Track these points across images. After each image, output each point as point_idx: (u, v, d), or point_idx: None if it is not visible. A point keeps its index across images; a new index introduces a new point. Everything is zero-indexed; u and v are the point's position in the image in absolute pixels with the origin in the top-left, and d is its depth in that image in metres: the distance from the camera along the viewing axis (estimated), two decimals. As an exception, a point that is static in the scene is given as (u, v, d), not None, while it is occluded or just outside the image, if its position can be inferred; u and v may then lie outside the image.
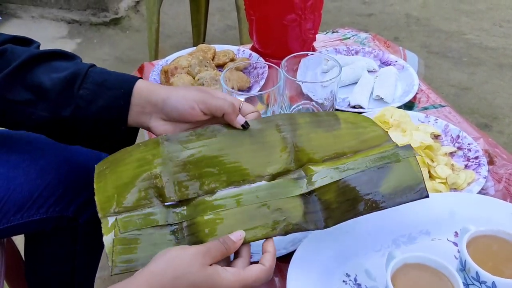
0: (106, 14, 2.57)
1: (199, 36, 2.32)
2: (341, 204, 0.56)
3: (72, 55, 0.68)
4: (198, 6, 2.18)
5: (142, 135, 0.75)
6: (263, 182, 0.58)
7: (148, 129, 0.65)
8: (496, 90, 2.01)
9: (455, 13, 2.65)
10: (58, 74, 0.63)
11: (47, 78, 0.62)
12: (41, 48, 0.70)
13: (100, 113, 0.63)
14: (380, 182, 0.57)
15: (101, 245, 0.86)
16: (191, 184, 0.58)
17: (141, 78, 0.66)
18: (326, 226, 0.56)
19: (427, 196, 0.56)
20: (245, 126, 0.60)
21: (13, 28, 2.52)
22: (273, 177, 0.59)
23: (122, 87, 0.63)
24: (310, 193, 0.57)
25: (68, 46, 2.39)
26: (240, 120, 0.60)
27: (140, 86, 0.64)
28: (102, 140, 0.66)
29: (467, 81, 2.09)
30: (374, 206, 0.56)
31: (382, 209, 0.56)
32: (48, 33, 2.47)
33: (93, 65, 0.66)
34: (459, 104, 1.93)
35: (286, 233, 0.55)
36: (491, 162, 0.77)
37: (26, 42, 0.69)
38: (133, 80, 0.64)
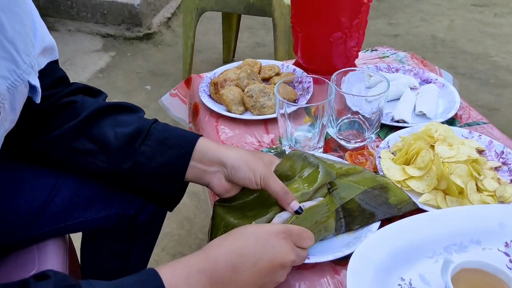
0: (140, 29, 2.65)
1: (229, 52, 2.39)
2: (362, 212, 0.70)
3: (136, 107, 0.73)
4: (230, 23, 2.25)
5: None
6: (313, 202, 0.68)
7: (207, 185, 0.69)
8: (524, 112, 2.03)
9: (481, 35, 2.68)
10: (122, 128, 0.67)
11: (112, 132, 0.66)
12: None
13: (159, 170, 0.67)
14: (387, 196, 0.73)
15: (154, 243, 0.90)
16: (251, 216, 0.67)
17: (201, 135, 0.70)
18: (348, 230, 0.70)
19: (418, 207, 0.73)
20: (299, 211, 0.65)
21: (50, 40, 2.62)
22: (316, 190, 0.69)
23: (183, 146, 0.67)
24: None
25: (103, 58, 2.47)
26: (293, 206, 0.65)
27: (203, 145, 0.68)
28: (155, 193, 0.71)
29: (494, 102, 2.11)
30: (390, 213, 0.71)
31: (395, 215, 0.71)
32: (84, 46, 2.56)
33: (155, 121, 0.70)
34: (487, 124, 1.95)
35: (320, 241, 0.69)
36: (535, 177, 0.79)
37: (95, 92, 0.73)
38: (194, 138, 0.68)
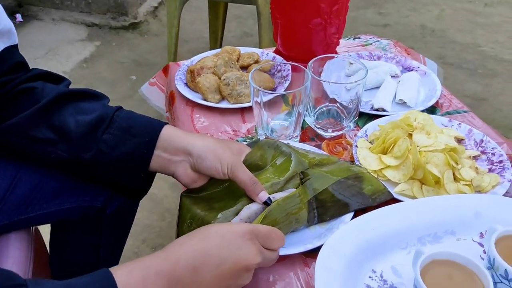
0: (125, 18, 2.61)
1: (216, 41, 2.35)
2: (335, 203, 0.68)
3: (100, 94, 0.69)
4: (217, 12, 2.21)
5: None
6: (285, 193, 0.65)
7: (172, 175, 0.67)
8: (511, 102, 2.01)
9: (470, 25, 2.66)
10: (84, 116, 0.64)
11: (72, 120, 0.63)
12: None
13: (122, 159, 0.64)
14: (361, 186, 0.70)
15: (125, 236, 0.88)
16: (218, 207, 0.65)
17: (167, 123, 0.67)
18: (320, 221, 0.68)
19: (394, 197, 0.71)
20: (268, 202, 0.62)
21: (34, 29, 2.57)
22: (287, 181, 0.67)
23: (147, 134, 0.65)
24: None
25: (88, 48, 2.43)
26: (262, 197, 0.62)
27: (168, 133, 0.65)
28: (119, 184, 0.68)
29: (482, 92, 2.09)
30: (364, 203, 0.69)
31: (370, 206, 0.69)
32: (68, 35, 2.52)
33: (119, 108, 0.67)
34: (474, 115, 1.94)
35: (291, 232, 0.67)
36: (514, 167, 0.78)
37: (57, 79, 0.69)
38: (159, 126, 0.65)
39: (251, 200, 0.64)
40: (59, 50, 2.39)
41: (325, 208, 0.68)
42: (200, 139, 0.65)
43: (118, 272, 0.48)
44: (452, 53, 2.39)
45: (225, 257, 0.51)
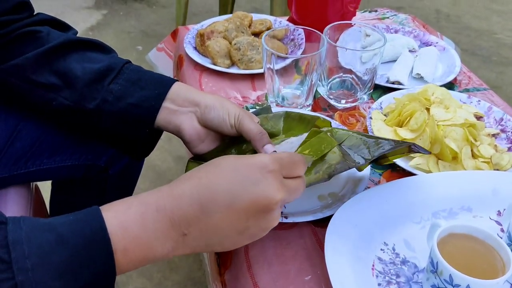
0: (134, -12, 2.55)
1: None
2: (365, 143, 0.60)
3: (109, 48, 0.66)
4: (227, -16, 2.15)
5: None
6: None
7: (178, 130, 0.62)
8: (525, 91, 1.97)
9: (486, 12, 2.60)
10: (91, 64, 0.60)
11: (78, 67, 0.60)
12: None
13: (127, 111, 0.60)
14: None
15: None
16: None
17: (177, 80, 0.64)
18: (367, 160, 0.58)
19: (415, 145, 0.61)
20: None
21: (40, -5, 2.52)
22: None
23: (157, 88, 0.61)
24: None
25: (94, 16, 2.38)
26: (267, 149, 0.57)
27: (178, 87, 0.62)
28: (122, 139, 0.64)
29: (495, 80, 2.05)
30: (395, 145, 0.59)
31: (401, 147, 0.60)
32: (75, 2, 2.47)
33: (129, 62, 0.64)
34: (486, 102, 1.90)
35: (329, 176, 0.56)
36: (534, 147, 0.74)
37: (64, 27, 0.66)
38: (170, 82, 0.62)
39: None
40: (65, 16, 2.35)
41: (360, 149, 0.60)
42: (210, 94, 0.62)
43: (114, 208, 0.42)
44: (467, 40, 2.34)
45: (237, 194, 0.43)
